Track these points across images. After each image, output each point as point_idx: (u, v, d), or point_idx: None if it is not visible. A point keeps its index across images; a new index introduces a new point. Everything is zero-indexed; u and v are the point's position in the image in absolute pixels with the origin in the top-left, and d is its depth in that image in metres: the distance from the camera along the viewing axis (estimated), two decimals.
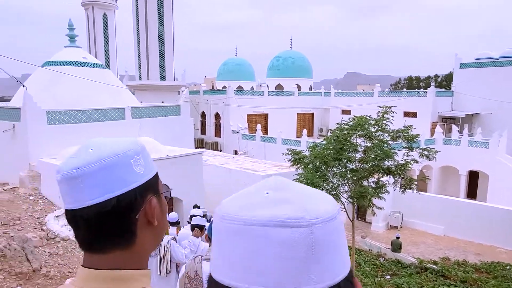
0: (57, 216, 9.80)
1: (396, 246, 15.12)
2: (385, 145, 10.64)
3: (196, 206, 12.23)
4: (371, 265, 14.56)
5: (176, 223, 7.87)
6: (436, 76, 65.17)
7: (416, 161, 10.84)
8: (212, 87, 45.87)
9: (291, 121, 33.99)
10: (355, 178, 10.55)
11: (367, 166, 11.10)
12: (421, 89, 32.46)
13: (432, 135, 25.16)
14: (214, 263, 0.53)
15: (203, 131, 32.27)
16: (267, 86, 36.73)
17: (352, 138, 11.36)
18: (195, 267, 2.64)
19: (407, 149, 11.15)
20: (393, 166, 11.24)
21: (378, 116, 10.86)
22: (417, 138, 11.01)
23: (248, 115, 31.35)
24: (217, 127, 31.69)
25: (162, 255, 4.81)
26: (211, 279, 0.53)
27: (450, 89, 29.62)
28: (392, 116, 10.84)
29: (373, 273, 13.80)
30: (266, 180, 0.56)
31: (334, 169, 10.96)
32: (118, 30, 39.83)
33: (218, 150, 27.91)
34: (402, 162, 11.23)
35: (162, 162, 11.82)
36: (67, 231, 9.40)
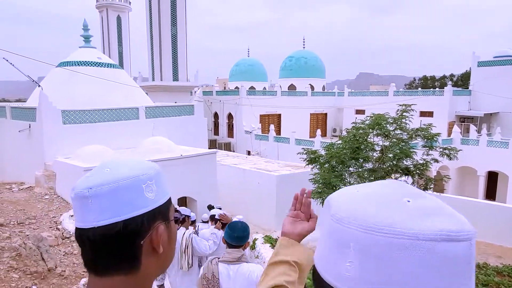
0: (72, 216, 9.79)
1: None
2: (404, 144, 10.34)
3: (210, 207, 12.09)
4: None
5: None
6: (452, 75, 64.00)
7: (436, 161, 10.52)
8: (224, 88, 45.85)
9: (304, 122, 33.71)
10: (373, 178, 10.27)
11: (384, 166, 10.82)
12: (437, 89, 31.83)
13: (449, 135, 24.60)
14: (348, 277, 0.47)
15: (216, 132, 32.23)
16: (280, 86, 36.48)
17: (369, 137, 11.11)
18: (212, 268, 2.71)
19: (427, 148, 10.83)
20: (411, 166, 10.94)
21: (397, 114, 10.57)
22: (437, 136, 10.68)
23: (261, 115, 31.19)
24: (230, 128, 31.62)
25: (184, 248, 4.66)
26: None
27: (468, 88, 28.95)
28: (412, 115, 10.53)
29: None
30: (388, 184, 0.53)
31: (351, 169, 10.71)
32: (131, 32, 40.16)
33: (230, 151, 27.81)
34: (421, 161, 10.92)
35: (176, 161, 11.74)
36: None
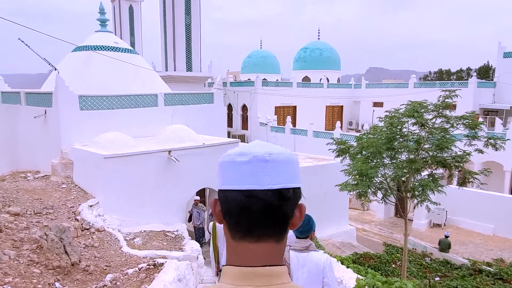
0: (90, 206, 9.24)
1: (445, 246, 14.00)
2: (444, 134, 9.57)
3: None
4: (417, 265, 13.52)
5: None
6: (469, 69, 62.38)
7: (481, 151, 9.74)
8: (235, 80, 45.14)
9: (319, 114, 32.90)
10: (411, 169, 9.54)
11: (422, 157, 10.08)
12: (457, 81, 30.71)
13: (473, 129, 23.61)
14: None
15: (230, 124, 31.57)
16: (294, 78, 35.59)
17: (404, 126, 10.36)
18: (284, 255, 2.68)
19: (469, 138, 10.05)
20: (449, 158, 10.17)
21: (438, 100, 9.79)
22: (481, 125, 9.88)
23: (276, 107, 30.49)
24: (244, 120, 30.98)
25: None
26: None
27: (492, 80, 27.83)
28: (455, 101, 9.74)
29: (421, 273, 12.76)
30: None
31: (385, 160, 9.99)
32: (143, 24, 39.58)
33: (245, 143, 27.19)
34: (460, 153, 10.15)
35: (198, 150, 11.12)
36: (102, 222, 8.82)
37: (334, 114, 34.37)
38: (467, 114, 9.88)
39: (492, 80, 28.20)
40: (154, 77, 15.31)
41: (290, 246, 3.02)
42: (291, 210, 0.77)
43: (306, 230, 3.08)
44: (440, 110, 9.64)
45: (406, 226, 10.46)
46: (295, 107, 31.82)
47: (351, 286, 4.28)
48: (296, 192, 0.78)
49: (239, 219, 0.75)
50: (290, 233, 5.09)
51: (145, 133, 12.46)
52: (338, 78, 39.27)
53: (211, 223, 9.18)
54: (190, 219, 10.79)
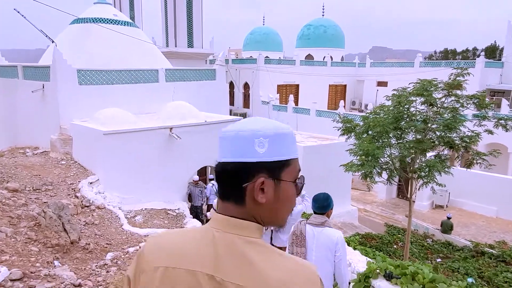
0: (91, 183, 9.07)
1: (447, 227, 13.93)
2: (453, 113, 9.29)
3: None
4: (419, 246, 13.48)
5: None
6: (475, 48, 61.30)
7: (491, 132, 9.47)
8: (236, 58, 44.38)
9: (322, 93, 32.43)
10: (418, 150, 9.30)
11: (430, 137, 9.83)
12: (465, 61, 30.08)
13: (479, 109, 23.24)
14: None
15: (231, 102, 31.14)
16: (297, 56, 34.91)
17: (412, 105, 10.06)
18: (300, 228, 3.27)
19: (479, 118, 9.76)
20: (457, 139, 9.92)
21: (449, 79, 9.45)
22: (491, 105, 9.58)
23: (279, 86, 30.01)
24: (246, 98, 30.55)
25: None
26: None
27: (500, 60, 27.24)
28: (466, 79, 9.41)
29: (423, 255, 12.73)
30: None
31: (392, 140, 9.74)
32: None
33: None
34: (468, 133, 9.88)
35: (200, 128, 10.88)
36: (102, 199, 8.67)
37: (337, 93, 33.89)
38: (478, 94, 9.55)
39: (500, 60, 27.60)
40: (155, 52, 14.89)
41: (307, 220, 3.34)
42: (235, 180, 0.88)
43: (324, 206, 3.28)
44: (451, 89, 9.31)
45: (410, 208, 10.32)
46: (297, 85, 31.32)
47: (360, 269, 4.11)
48: (237, 166, 0.88)
49: (218, 185, 0.94)
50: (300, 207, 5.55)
51: (146, 109, 12.18)
52: (342, 56, 38.52)
53: (215, 200, 9.12)
54: (190, 199, 10.62)
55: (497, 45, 55.28)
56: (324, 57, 34.99)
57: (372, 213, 17.54)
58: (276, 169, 0.89)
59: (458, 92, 9.29)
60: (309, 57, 36.71)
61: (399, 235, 14.45)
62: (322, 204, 3.27)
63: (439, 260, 12.34)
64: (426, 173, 8.82)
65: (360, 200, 19.14)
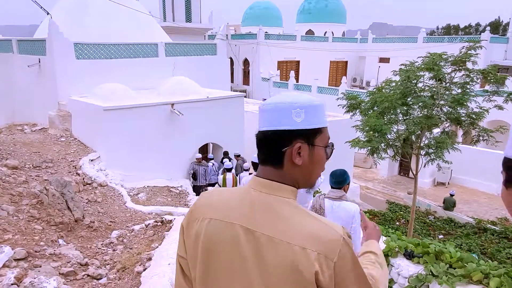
0: (92, 160, 8.88)
1: (449, 204, 13.91)
2: (466, 89, 9.04)
3: (226, 153, 11.06)
4: (421, 223, 13.50)
5: (230, 170, 8.95)
6: (478, 24, 60.22)
7: (501, 108, 9.27)
8: (235, 33, 43.45)
9: (323, 70, 31.91)
10: (427, 126, 9.10)
11: (438, 114, 9.62)
12: (470, 36, 29.43)
13: (483, 85, 22.94)
14: None
15: (231, 79, 30.67)
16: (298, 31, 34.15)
17: (419, 80, 9.79)
18: (319, 201, 3.38)
19: (489, 94, 9.53)
20: (463, 115, 9.72)
21: (460, 52, 9.15)
22: (505, 79, 9.32)
23: (279, 62, 29.46)
24: (246, 74, 30.04)
25: None
26: None
27: (505, 35, 26.69)
28: (478, 53, 9.12)
29: (425, 231, 12.76)
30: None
31: (399, 116, 9.52)
32: None
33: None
34: (476, 109, 9.68)
35: (202, 104, 10.61)
36: (104, 176, 8.50)
37: (338, 70, 33.38)
38: (489, 68, 9.29)
39: (505, 35, 27.05)
40: (154, 26, 14.41)
41: (325, 195, 3.49)
42: (275, 145, 1.00)
43: (341, 181, 3.44)
44: (461, 64, 9.03)
45: (416, 185, 10.22)
46: (298, 62, 30.78)
47: None
48: (276, 133, 1.00)
49: (258, 151, 1.07)
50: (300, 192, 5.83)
51: (146, 85, 11.86)
52: (343, 32, 37.74)
53: (221, 176, 8.98)
54: (195, 177, 10.42)
55: (500, 20, 54.26)
56: (325, 32, 34.25)
57: (374, 191, 17.53)
58: (311, 136, 1.02)
59: (470, 66, 9.00)
60: (309, 32, 35.92)
61: (401, 212, 14.46)
62: (339, 179, 3.44)
63: (441, 236, 12.37)
64: (434, 150, 8.65)
65: (362, 177, 19.10)
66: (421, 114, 9.29)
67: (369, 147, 8.97)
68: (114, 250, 4.47)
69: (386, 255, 3.48)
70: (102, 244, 4.71)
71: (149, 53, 12.09)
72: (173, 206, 8.20)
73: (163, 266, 2.90)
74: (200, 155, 10.47)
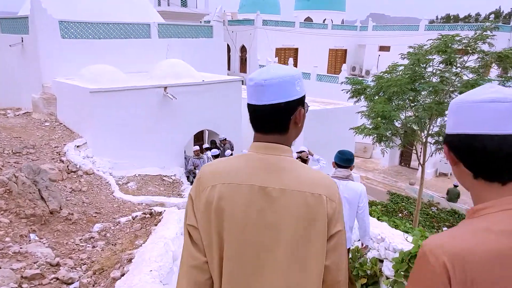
0: (78, 146, 8.24)
1: (453, 195, 13.45)
2: (479, 73, 8.46)
3: (213, 142, 10.65)
4: (424, 214, 13.03)
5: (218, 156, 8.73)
6: (478, 14, 59.51)
7: None
8: (232, 19, 42.40)
9: (322, 58, 31.17)
10: (437, 112, 8.53)
11: (448, 100, 9.05)
12: (474, 24, 28.75)
13: (486, 75, 22.38)
14: None
15: (228, 66, 29.88)
16: (297, 18, 33.28)
17: (429, 64, 9.20)
18: None
19: (504, 79, 8.97)
20: None
21: (475, 34, 8.55)
22: None
23: (277, 49, 28.67)
24: (243, 62, 29.25)
25: None
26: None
27: (509, 24, 26.06)
28: (494, 35, 8.52)
29: (428, 223, 12.30)
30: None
31: (407, 102, 8.94)
32: None
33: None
34: None
35: (197, 88, 9.96)
36: (91, 164, 7.88)
37: (337, 58, 32.65)
38: (507, 50, 8.70)
39: (508, 23, 26.42)
40: (147, 5, 13.63)
41: (332, 174, 3.45)
42: (287, 114, 1.11)
43: (349, 159, 3.44)
44: (476, 46, 8.43)
45: (423, 175, 9.69)
46: (296, 49, 30.01)
47: (398, 246, 3.41)
48: (289, 103, 1.09)
49: (253, 121, 1.14)
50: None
51: (137, 68, 11.16)
52: (342, 19, 36.90)
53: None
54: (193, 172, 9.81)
55: (501, 10, 53.60)
56: (325, 19, 33.43)
57: (374, 181, 17.04)
58: (304, 99, 1.16)
59: (485, 48, 8.41)
60: (308, 20, 35.04)
61: (403, 203, 13.99)
62: (348, 157, 3.43)
63: (445, 228, 11.90)
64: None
65: (361, 167, 18.59)
66: (430, 100, 8.71)
67: (376, 135, 8.40)
68: (93, 246, 3.88)
69: (414, 257, 2.92)
70: (81, 239, 4.12)
71: (141, 34, 11.37)
72: (165, 196, 7.62)
73: (143, 274, 2.33)
74: (197, 147, 9.81)
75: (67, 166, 7.34)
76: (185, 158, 10.16)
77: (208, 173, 1.12)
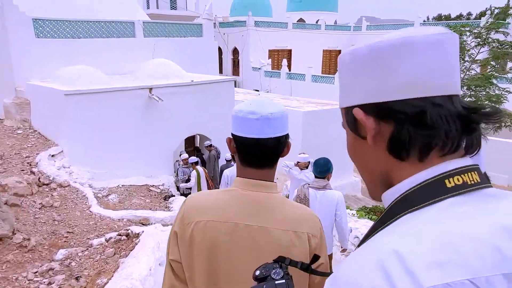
0: (52, 156, 7.39)
1: None
2: (495, 66, 7.79)
3: (197, 150, 10.10)
4: None
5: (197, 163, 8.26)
6: (469, 13, 59.55)
7: None
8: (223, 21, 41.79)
9: (316, 59, 30.57)
10: None
11: None
12: (470, 21, 28.34)
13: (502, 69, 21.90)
14: None
15: (220, 69, 29.14)
16: (290, 18, 32.72)
17: None
18: (304, 191, 3.57)
19: None
20: (482, 97, 8.50)
21: (487, 23, 7.89)
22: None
23: (270, 51, 28.03)
24: (235, 64, 28.54)
25: None
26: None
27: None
28: (508, 23, 7.85)
29: None
30: None
31: None
32: None
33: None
34: (498, 92, 8.47)
35: (187, 89, 9.16)
36: (67, 175, 7.04)
37: (331, 59, 32.09)
38: None
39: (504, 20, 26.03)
40: (131, 2, 12.84)
41: (309, 184, 3.62)
42: (283, 148, 1.14)
43: (324, 171, 3.52)
44: (488, 36, 7.76)
45: None
46: (290, 50, 29.39)
47: None
48: (287, 136, 1.14)
49: (252, 155, 1.11)
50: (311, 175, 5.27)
51: (121, 69, 10.34)
52: (335, 20, 36.42)
53: (194, 172, 7.67)
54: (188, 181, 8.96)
55: (492, 9, 53.53)
56: (317, 20, 32.92)
57: None
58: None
59: (501, 37, 7.74)
60: (301, 21, 34.51)
61: None
62: (323, 169, 3.53)
63: None
64: None
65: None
66: None
67: None
68: (49, 283, 3.05)
69: None
70: (36, 272, 3.29)
71: (125, 33, 10.56)
72: (150, 209, 6.79)
73: None
74: (186, 155, 8.95)
75: (38, 179, 6.50)
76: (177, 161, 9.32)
77: (193, 208, 1.12)
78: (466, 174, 0.53)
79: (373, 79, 0.56)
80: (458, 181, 0.52)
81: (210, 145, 9.62)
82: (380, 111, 0.56)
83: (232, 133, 1.12)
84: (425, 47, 0.53)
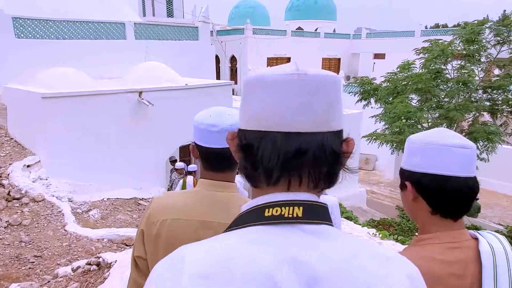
0: (28, 166, 6.59)
1: (474, 210, 11.90)
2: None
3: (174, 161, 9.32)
4: None
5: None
6: (466, 23, 59.53)
7: None
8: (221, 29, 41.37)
9: (315, 67, 29.34)
10: (466, 112, 7.11)
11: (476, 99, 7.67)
12: None
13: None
14: None
15: (217, 77, 28.50)
16: (288, 26, 32.32)
17: (448, 59, 7.84)
18: None
19: None
20: (499, 102, 7.81)
21: (503, 21, 7.24)
22: None
23: (269, 59, 27.50)
24: (233, 72, 27.96)
25: None
26: None
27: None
28: None
29: None
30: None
31: (433, 99, 7.53)
32: None
33: None
34: None
35: (180, 93, 8.42)
36: (43, 188, 6.23)
37: (331, 67, 31.64)
38: None
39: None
40: (125, 7, 12.20)
41: None
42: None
43: None
44: (510, 34, 7.10)
45: None
46: (289, 58, 28.88)
47: None
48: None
49: (213, 162, 1.16)
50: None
51: (111, 73, 9.62)
52: (334, 29, 36.06)
53: (181, 181, 6.90)
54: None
55: (489, 19, 53.59)
56: (316, 28, 32.55)
57: (381, 195, 15.52)
58: None
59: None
60: (299, 29, 34.14)
61: None
62: None
63: None
64: (486, 142, 6.65)
65: (364, 180, 17.07)
66: (459, 99, 7.30)
67: (395, 142, 6.90)
68: None
69: None
70: None
71: (115, 35, 9.87)
72: (137, 226, 5.98)
73: None
74: (181, 164, 8.19)
75: (8, 192, 5.69)
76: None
77: (159, 207, 1.16)
78: (286, 207, 0.57)
79: (242, 106, 0.63)
80: (276, 212, 0.57)
81: (175, 160, 8.98)
82: (239, 134, 0.63)
83: (194, 142, 1.18)
84: (271, 86, 0.58)
